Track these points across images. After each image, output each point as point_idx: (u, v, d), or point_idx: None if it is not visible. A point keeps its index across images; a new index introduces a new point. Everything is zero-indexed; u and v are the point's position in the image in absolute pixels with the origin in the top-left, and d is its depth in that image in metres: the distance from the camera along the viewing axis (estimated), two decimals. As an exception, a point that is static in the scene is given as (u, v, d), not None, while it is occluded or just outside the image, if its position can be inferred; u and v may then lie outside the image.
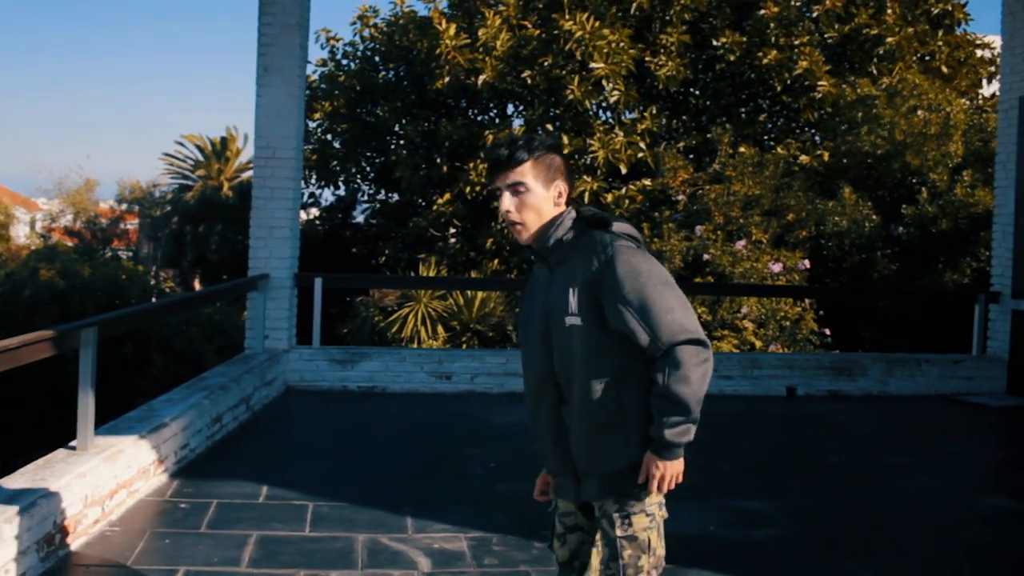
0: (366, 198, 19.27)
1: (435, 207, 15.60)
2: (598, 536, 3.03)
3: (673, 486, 2.87)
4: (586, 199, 14.21)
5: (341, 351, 9.08)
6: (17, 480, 4.60)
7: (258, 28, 8.70)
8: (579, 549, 3.11)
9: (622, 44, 14.14)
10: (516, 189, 2.90)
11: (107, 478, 5.07)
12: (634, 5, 14.73)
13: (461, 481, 6.20)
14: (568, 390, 2.92)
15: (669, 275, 2.87)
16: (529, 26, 15.01)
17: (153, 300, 17.74)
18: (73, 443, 5.21)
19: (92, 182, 40.97)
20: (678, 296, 2.82)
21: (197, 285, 24.00)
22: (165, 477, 5.87)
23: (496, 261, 15.04)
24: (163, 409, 6.21)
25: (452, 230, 16.78)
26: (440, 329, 13.50)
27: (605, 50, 13.95)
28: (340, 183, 18.36)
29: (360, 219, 19.76)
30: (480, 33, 14.67)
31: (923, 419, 8.70)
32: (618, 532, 2.89)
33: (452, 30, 14.78)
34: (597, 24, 14.06)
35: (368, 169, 18.27)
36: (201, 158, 35.71)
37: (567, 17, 14.15)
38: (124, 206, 40.34)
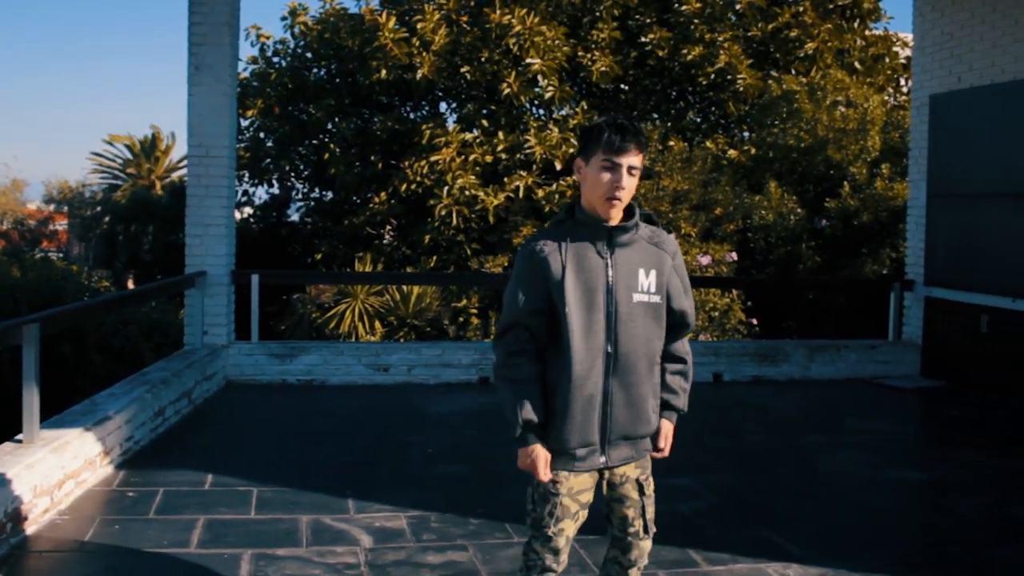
0: (300, 196, 19.25)
1: (371, 206, 15.73)
2: (619, 497, 3.31)
3: None
4: (520, 194, 14.48)
5: (280, 345, 9.25)
6: (-34, 471, 4.74)
7: (188, 27, 8.74)
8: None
9: (557, 41, 14.44)
10: (631, 171, 3.11)
11: (55, 469, 5.21)
12: (565, 0, 15.03)
13: (400, 466, 6.42)
14: (625, 360, 3.15)
15: None
16: (467, 24, 15.22)
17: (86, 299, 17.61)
18: (19, 436, 5.34)
19: (19, 183, 40.48)
20: None
21: (131, 285, 23.82)
22: (111, 468, 6.02)
23: (434, 258, 15.24)
24: (106, 403, 6.34)
25: (388, 228, 16.93)
26: (377, 325, 13.67)
27: (541, 46, 14.24)
28: (274, 181, 18.36)
29: (295, 217, 19.78)
30: (419, 27, 14.84)
31: (841, 401, 9.10)
32: (646, 491, 3.32)
33: (392, 23, 14.94)
34: (537, 20, 14.34)
35: (302, 167, 18.30)
36: (130, 157, 35.41)
37: (500, 12, 14.39)
38: (52, 206, 39.83)
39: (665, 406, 3.32)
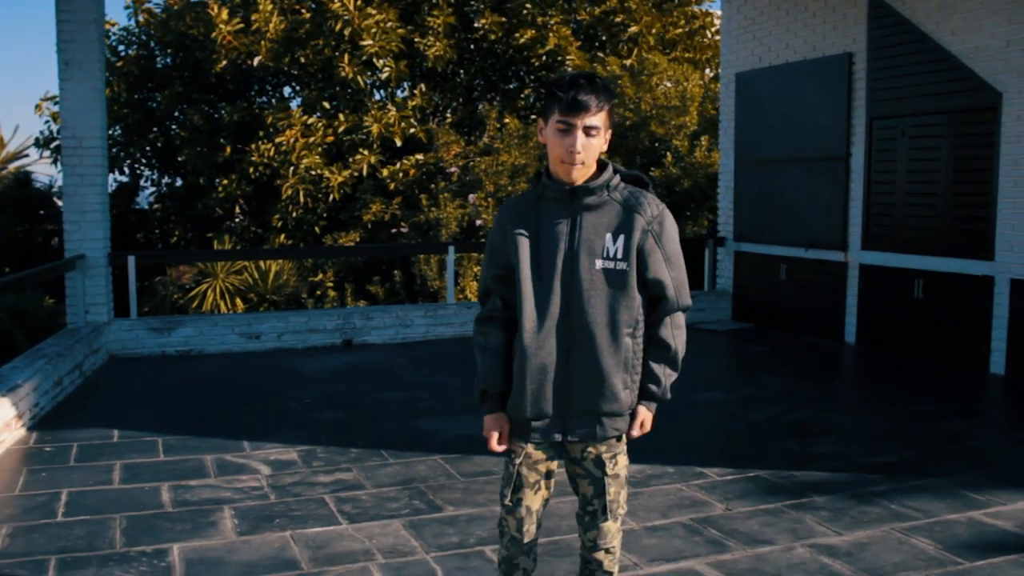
0: (150, 184, 19.47)
1: (221, 187, 16.20)
2: (579, 473, 3.15)
3: None
4: (364, 172, 15.27)
5: (158, 320, 9.95)
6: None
7: (56, 24, 9.17)
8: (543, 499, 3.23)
9: (390, 24, 15.24)
10: (589, 131, 2.94)
11: (-19, 429, 5.94)
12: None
13: (283, 414, 7.34)
14: (583, 330, 2.98)
15: None
16: (303, 11, 15.89)
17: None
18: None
19: None
20: None
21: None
22: (24, 431, 6.72)
23: (283, 236, 15.89)
24: (11, 374, 7.01)
25: (238, 210, 17.47)
26: (239, 302, 14.38)
27: (374, 29, 15.00)
28: (125, 168, 18.53)
29: (144, 205, 19.95)
30: (253, 18, 15.41)
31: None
32: (608, 471, 3.09)
33: (225, 14, 15.40)
34: (360, 2, 15.06)
35: (151, 152, 18.51)
36: (-39, 150, 34.45)
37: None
38: None
39: (642, 392, 3.10)
